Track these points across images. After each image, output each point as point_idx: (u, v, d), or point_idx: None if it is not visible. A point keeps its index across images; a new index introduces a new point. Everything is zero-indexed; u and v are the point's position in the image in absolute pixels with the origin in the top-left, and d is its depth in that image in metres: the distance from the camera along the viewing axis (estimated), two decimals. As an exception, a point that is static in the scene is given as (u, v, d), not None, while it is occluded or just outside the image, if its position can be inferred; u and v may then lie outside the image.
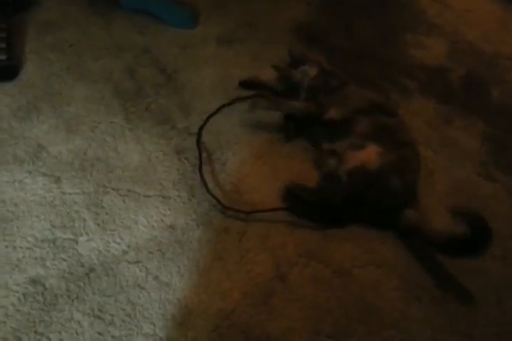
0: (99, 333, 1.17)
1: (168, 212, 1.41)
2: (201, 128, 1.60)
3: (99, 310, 1.21)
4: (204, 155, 1.54)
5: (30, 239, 1.31)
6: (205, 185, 1.45)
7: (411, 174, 1.46)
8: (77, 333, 1.17)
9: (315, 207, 1.41)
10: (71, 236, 1.32)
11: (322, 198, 1.40)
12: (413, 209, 1.44)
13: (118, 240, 1.33)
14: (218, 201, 1.42)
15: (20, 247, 1.29)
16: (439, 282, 1.35)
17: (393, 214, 1.42)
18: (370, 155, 1.41)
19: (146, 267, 1.29)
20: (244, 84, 1.76)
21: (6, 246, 1.29)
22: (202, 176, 1.47)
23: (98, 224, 1.35)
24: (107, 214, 1.38)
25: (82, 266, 1.28)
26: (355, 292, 1.32)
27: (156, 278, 1.28)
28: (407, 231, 1.42)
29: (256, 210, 1.42)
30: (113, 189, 1.43)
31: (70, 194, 1.41)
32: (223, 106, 1.67)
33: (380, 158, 1.41)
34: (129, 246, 1.32)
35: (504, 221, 1.54)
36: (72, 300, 1.21)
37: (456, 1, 2.36)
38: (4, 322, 1.16)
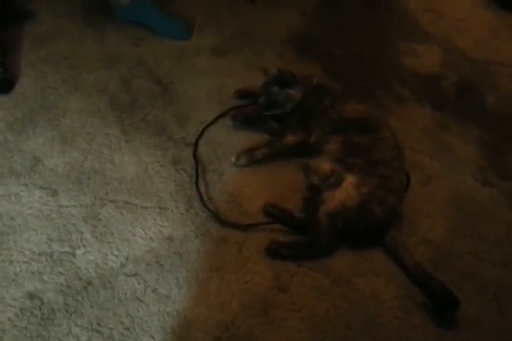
0: (98, 347, 1.16)
1: (166, 224, 1.40)
2: (197, 139, 1.60)
3: (97, 323, 1.19)
4: (201, 165, 1.54)
5: (27, 252, 1.30)
6: (201, 198, 1.45)
7: (392, 194, 1.41)
8: (75, 348, 1.16)
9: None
10: (68, 250, 1.31)
11: (307, 244, 1.39)
12: (395, 229, 1.43)
13: (116, 252, 1.32)
14: (214, 214, 1.42)
15: (17, 261, 1.28)
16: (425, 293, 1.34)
17: (378, 234, 1.42)
18: (347, 191, 1.38)
19: (144, 279, 1.28)
20: (240, 94, 1.76)
21: (3, 260, 1.27)
22: (198, 190, 1.46)
23: (95, 237, 1.35)
24: (104, 226, 1.37)
25: (80, 279, 1.26)
26: (355, 301, 1.32)
27: (154, 290, 1.27)
28: (390, 251, 1.42)
29: (252, 223, 1.42)
30: (110, 201, 1.43)
31: (67, 207, 1.40)
32: (219, 116, 1.67)
33: (358, 191, 1.37)
34: (127, 259, 1.32)
35: (502, 226, 1.54)
36: (70, 314, 1.20)
37: (449, 10, 2.39)
38: (1, 338, 1.15)
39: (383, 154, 1.46)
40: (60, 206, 1.40)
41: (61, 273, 1.27)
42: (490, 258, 1.45)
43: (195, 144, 1.59)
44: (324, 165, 1.47)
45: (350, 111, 1.57)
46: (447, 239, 1.48)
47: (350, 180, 1.40)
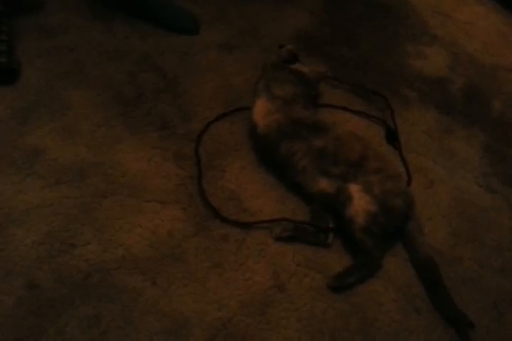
0: (94, 340, 1.15)
1: (167, 219, 1.39)
2: (200, 135, 1.59)
3: (94, 316, 1.19)
4: (204, 161, 1.53)
5: (26, 242, 1.29)
6: (202, 194, 1.44)
7: (398, 180, 1.45)
8: (71, 340, 1.15)
9: None
10: (68, 241, 1.30)
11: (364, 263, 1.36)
12: (413, 220, 1.44)
13: (115, 246, 1.32)
14: (216, 211, 1.41)
15: (16, 251, 1.27)
16: (436, 304, 1.34)
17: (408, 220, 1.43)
18: (362, 199, 1.35)
19: (143, 274, 1.28)
20: (287, 53, 1.72)
21: (2, 250, 1.27)
22: (200, 186, 1.45)
23: (96, 229, 1.34)
24: (105, 219, 1.36)
25: (79, 271, 1.26)
26: (353, 303, 1.31)
27: (153, 285, 1.26)
28: (407, 243, 1.42)
29: (254, 221, 1.41)
30: (111, 194, 1.42)
31: (68, 198, 1.39)
32: (224, 114, 1.66)
33: (370, 193, 1.35)
34: (126, 252, 1.31)
35: (504, 232, 1.53)
36: (68, 306, 1.19)
37: (457, 13, 2.38)
38: (-2, 328, 1.15)
39: (356, 152, 1.43)
40: (61, 198, 1.39)
41: (60, 265, 1.26)
42: (491, 265, 1.45)
43: (198, 140, 1.58)
44: (321, 185, 1.43)
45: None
46: (449, 243, 1.48)
47: (354, 188, 1.37)
